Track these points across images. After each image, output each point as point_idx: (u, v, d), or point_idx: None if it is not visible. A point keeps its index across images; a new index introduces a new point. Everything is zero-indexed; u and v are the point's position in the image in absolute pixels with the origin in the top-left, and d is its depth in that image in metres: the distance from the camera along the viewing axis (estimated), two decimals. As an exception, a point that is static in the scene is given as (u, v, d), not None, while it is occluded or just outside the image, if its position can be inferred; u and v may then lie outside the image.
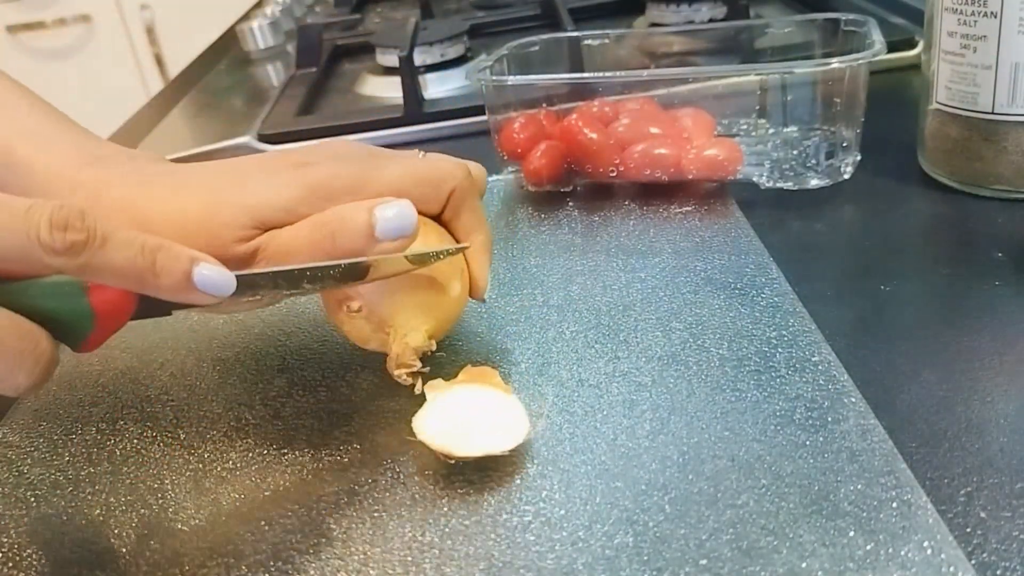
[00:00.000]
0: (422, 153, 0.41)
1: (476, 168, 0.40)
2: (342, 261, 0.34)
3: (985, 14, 0.44)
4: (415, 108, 0.69)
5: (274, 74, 0.90)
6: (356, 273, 0.34)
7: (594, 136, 0.52)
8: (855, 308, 0.40)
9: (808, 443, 0.32)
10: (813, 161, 0.50)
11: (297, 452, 0.35)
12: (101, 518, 0.33)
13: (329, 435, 0.36)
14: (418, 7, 1.02)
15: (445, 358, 0.40)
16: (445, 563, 0.29)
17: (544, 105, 0.54)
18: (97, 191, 0.36)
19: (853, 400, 0.34)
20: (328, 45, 0.90)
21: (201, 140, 0.71)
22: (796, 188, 0.50)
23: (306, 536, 0.31)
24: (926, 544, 0.28)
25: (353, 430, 0.36)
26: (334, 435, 0.36)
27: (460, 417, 0.34)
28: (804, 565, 0.27)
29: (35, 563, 0.32)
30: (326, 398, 0.38)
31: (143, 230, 0.30)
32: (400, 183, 0.36)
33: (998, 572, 0.27)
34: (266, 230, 0.35)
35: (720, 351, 0.38)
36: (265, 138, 0.69)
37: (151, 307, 0.31)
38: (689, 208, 0.50)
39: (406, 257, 0.35)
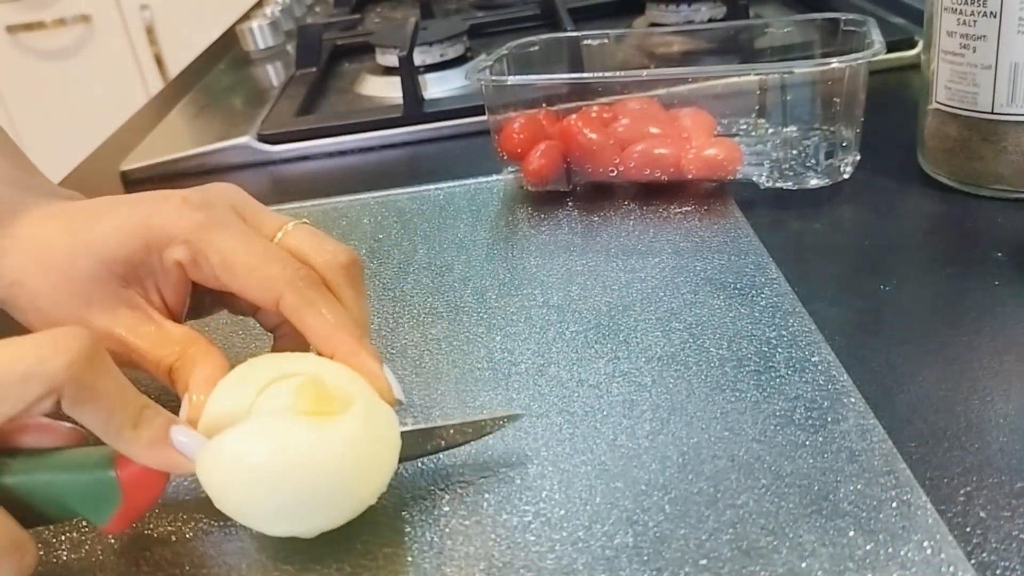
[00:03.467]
0: (292, 223, 0.36)
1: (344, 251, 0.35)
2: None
3: (984, 14, 0.45)
4: (415, 108, 0.69)
5: (274, 74, 0.90)
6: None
7: (594, 136, 0.52)
8: (855, 308, 0.40)
9: (808, 443, 0.32)
10: (813, 161, 0.50)
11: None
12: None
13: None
14: (418, 7, 1.02)
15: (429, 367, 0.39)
16: (445, 563, 0.29)
17: (544, 105, 0.54)
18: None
19: (853, 400, 0.34)
20: (328, 45, 0.90)
21: (201, 140, 0.71)
22: (796, 188, 0.50)
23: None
24: (926, 544, 0.28)
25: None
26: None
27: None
28: (804, 565, 0.27)
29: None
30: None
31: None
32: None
33: (997, 571, 0.27)
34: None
35: (720, 351, 0.38)
36: (265, 138, 0.69)
37: None
38: (689, 208, 0.50)
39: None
